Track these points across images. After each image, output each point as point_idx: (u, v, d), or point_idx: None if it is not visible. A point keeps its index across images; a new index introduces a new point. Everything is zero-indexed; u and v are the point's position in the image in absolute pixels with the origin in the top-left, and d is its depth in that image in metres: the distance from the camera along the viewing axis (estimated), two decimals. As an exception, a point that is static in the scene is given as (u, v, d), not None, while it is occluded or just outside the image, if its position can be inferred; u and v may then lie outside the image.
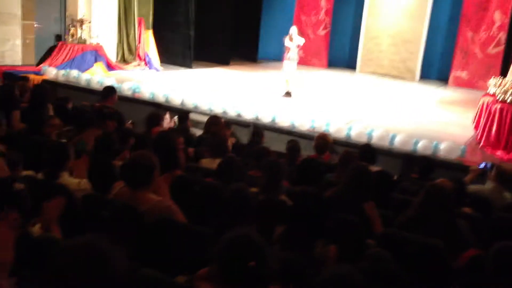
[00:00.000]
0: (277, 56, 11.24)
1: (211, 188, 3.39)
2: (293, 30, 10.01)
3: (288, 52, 10.01)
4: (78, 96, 8.51)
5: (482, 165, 5.51)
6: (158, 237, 2.79)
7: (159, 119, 5.58)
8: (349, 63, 15.87)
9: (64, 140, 4.34)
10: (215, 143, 4.85)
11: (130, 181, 2.97)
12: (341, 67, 15.83)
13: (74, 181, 3.31)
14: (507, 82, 7.91)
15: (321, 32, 15.75)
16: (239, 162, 4.02)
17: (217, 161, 4.13)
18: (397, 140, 7.41)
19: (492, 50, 13.22)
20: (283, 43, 10.10)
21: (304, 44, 10.24)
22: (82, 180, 3.38)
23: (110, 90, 6.49)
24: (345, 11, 15.87)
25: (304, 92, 10.89)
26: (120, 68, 11.98)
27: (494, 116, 7.50)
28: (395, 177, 5.28)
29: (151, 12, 12.60)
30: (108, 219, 2.66)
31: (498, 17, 13.01)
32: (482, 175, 5.37)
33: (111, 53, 12.18)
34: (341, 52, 16.20)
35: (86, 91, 9.61)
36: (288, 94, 10.27)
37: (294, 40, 9.90)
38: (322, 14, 15.65)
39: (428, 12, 14.18)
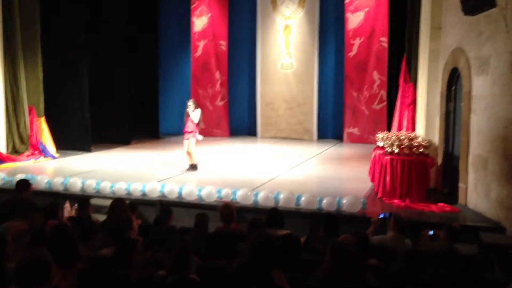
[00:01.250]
0: (179, 130, 11.33)
1: (116, 279, 3.23)
2: (190, 104, 10.17)
3: (187, 125, 10.11)
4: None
5: (381, 216, 5.80)
6: None
7: (55, 210, 5.27)
8: (250, 130, 16.40)
9: None
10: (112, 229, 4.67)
11: (23, 286, 2.74)
12: (243, 134, 16.29)
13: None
14: (392, 135, 8.59)
15: (220, 103, 16.20)
16: (138, 246, 3.83)
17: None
18: (303, 200, 7.61)
19: (376, 106, 14.39)
20: (184, 120, 10.23)
21: (204, 115, 10.40)
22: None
23: (25, 183, 6.60)
24: (240, 81, 16.58)
25: (208, 163, 10.98)
26: (11, 160, 11.30)
27: (385, 167, 8.04)
28: (304, 238, 5.39)
29: (41, 99, 12.20)
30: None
31: (376, 76, 14.32)
32: (382, 225, 5.65)
33: (0, 145, 11.50)
34: (241, 120, 16.74)
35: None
36: (192, 167, 10.26)
37: (190, 115, 10.05)
38: (218, 86, 16.17)
39: (315, 76, 15.24)
